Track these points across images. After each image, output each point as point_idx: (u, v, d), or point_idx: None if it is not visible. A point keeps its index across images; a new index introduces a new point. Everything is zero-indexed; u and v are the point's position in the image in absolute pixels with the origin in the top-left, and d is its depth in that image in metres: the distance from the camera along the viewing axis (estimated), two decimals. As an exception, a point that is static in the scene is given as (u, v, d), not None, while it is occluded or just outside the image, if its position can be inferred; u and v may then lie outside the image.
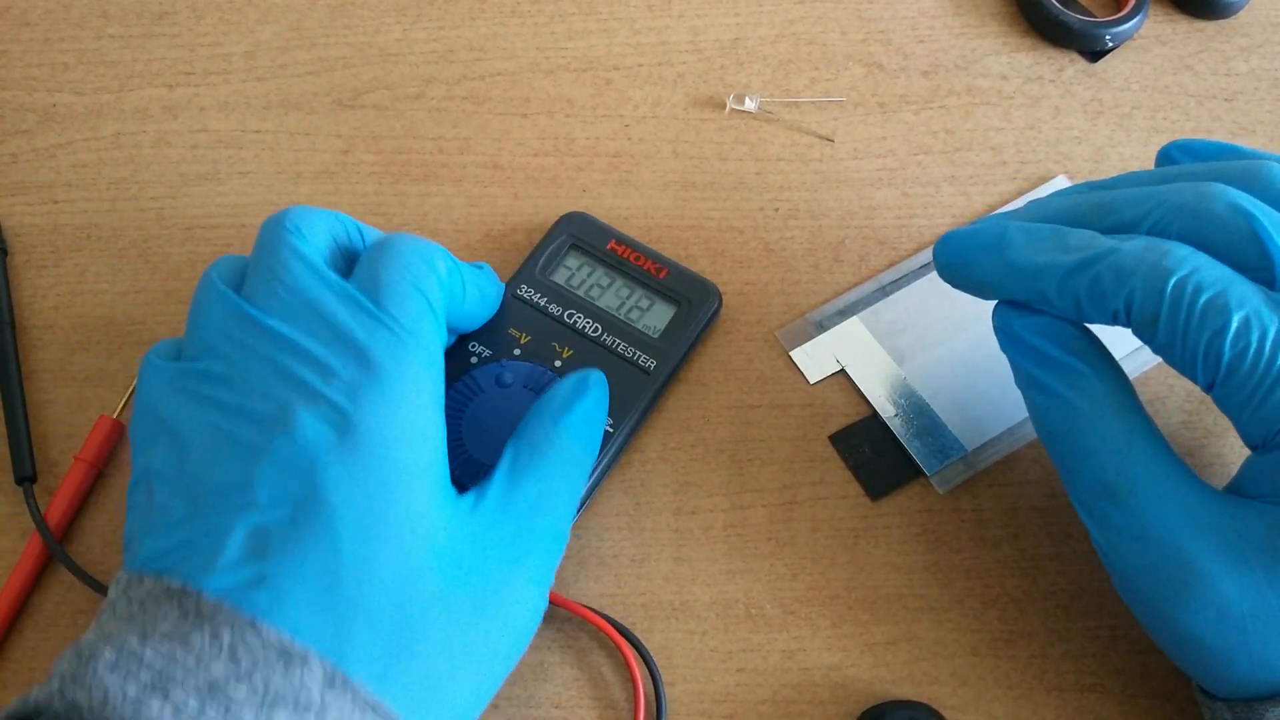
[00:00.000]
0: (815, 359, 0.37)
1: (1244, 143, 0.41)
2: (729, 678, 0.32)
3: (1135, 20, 0.42)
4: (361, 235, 0.31)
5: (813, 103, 0.42)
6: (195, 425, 0.27)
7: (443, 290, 0.30)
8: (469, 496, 0.29)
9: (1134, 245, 0.27)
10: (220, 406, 0.27)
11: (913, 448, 0.35)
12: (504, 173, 0.40)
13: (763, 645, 0.33)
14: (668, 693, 0.32)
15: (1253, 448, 0.28)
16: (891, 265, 0.39)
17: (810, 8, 0.44)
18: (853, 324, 0.37)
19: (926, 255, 0.39)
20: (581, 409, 0.31)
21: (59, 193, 0.40)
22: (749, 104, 0.41)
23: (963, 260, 0.30)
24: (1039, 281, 0.28)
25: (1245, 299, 0.26)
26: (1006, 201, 0.40)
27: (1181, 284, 0.26)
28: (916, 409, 0.36)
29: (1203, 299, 0.26)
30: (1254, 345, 0.26)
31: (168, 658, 0.24)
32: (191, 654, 0.24)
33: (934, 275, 0.38)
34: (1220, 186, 0.27)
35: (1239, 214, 0.27)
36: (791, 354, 0.37)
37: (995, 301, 0.31)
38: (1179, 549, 0.27)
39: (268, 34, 0.43)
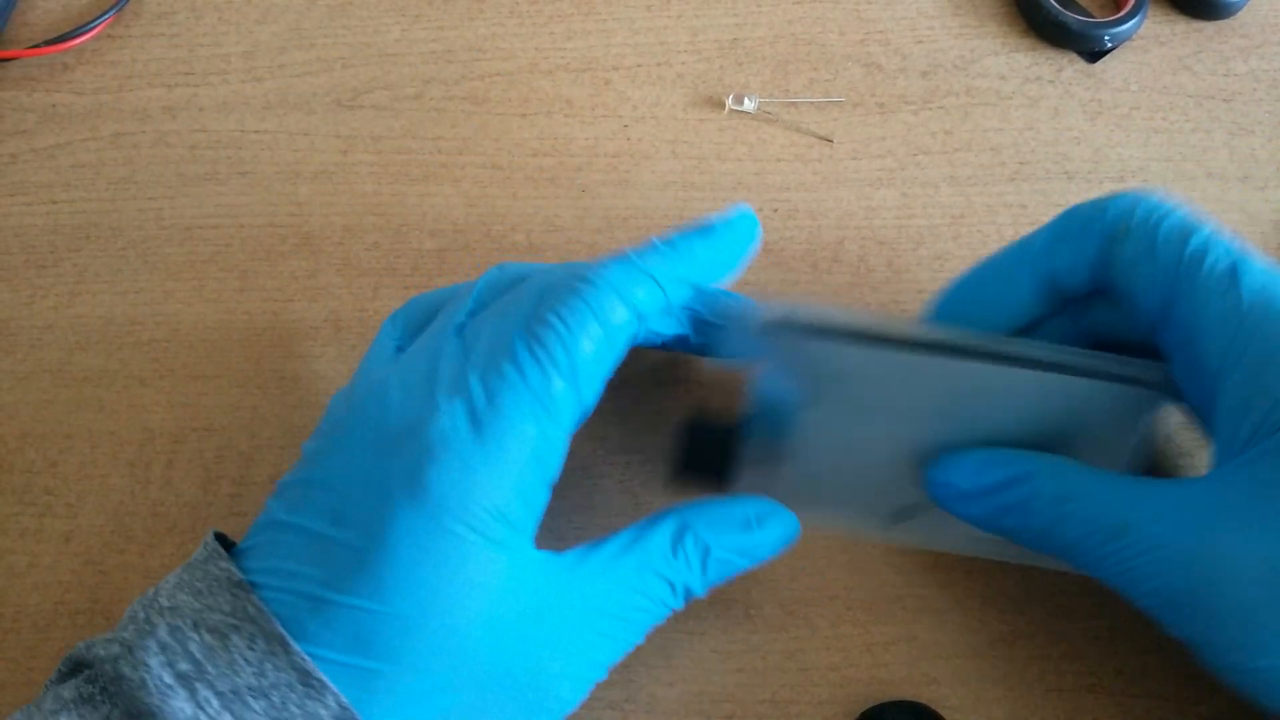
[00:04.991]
0: (815, 359, 0.37)
1: (1242, 143, 0.41)
2: (729, 678, 0.32)
3: (1134, 21, 0.42)
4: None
5: (811, 103, 0.42)
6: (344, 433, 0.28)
7: (601, 345, 0.28)
8: (570, 555, 0.28)
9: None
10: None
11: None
12: (503, 173, 0.40)
13: (763, 645, 0.33)
14: (667, 693, 0.32)
15: (1194, 380, 0.28)
16: (890, 265, 0.39)
17: (809, 8, 0.44)
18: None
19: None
20: (764, 542, 0.30)
21: (59, 193, 0.40)
22: (748, 104, 0.41)
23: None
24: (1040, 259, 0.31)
25: None
26: (1006, 201, 0.40)
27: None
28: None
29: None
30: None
31: (208, 651, 0.25)
32: (226, 656, 0.25)
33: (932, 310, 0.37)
34: None
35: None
36: (791, 354, 0.37)
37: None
38: (1201, 543, 0.26)
39: (267, 34, 0.43)
